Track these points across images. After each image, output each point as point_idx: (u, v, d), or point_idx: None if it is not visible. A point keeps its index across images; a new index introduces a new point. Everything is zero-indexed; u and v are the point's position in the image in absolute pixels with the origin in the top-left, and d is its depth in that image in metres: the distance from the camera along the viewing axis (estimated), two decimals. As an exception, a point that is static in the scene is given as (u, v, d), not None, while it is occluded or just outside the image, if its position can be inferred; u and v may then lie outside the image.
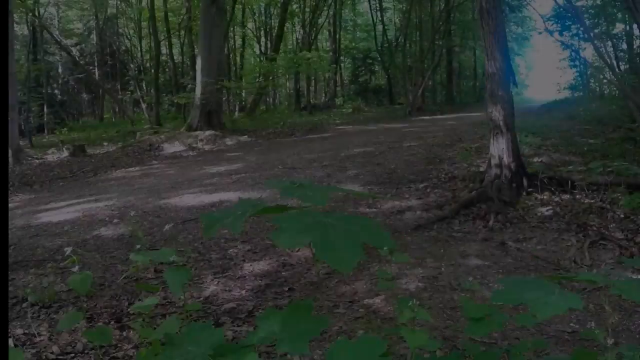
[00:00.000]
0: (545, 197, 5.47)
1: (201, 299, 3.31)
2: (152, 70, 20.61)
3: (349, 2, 32.72)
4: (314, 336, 1.53)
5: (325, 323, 1.60)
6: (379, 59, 31.33)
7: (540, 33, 38.27)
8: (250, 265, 3.95)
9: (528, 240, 4.54)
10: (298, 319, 1.47)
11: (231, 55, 27.54)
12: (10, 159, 9.91)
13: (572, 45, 22.06)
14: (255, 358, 1.41)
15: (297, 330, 1.43)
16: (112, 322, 2.95)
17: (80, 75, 27.73)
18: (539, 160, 7.26)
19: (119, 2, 28.28)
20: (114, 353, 2.60)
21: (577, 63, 26.43)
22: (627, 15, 18.16)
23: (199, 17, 16.14)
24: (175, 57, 25.61)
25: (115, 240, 4.49)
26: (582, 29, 18.43)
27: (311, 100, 27.27)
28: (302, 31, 27.18)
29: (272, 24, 29.03)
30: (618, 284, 1.45)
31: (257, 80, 22.56)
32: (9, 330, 2.76)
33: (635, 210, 4.94)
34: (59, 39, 23.35)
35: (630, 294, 1.38)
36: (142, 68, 27.79)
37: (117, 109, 29.32)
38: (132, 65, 28.42)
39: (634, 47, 21.16)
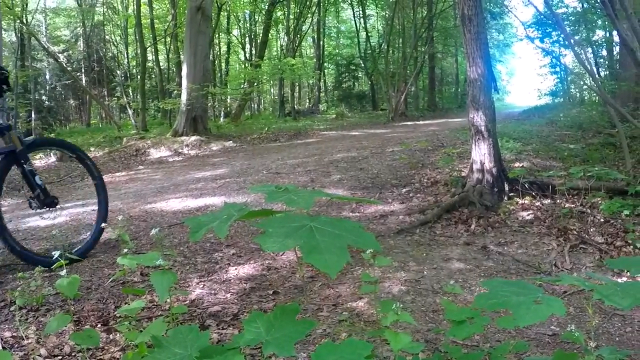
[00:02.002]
0: (526, 201, 5.52)
1: (187, 302, 3.32)
2: (139, 77, 20.73)
3: (332, 9, 33.00)
4: (300, 339, 1.55)
5: (311, 326, 1.62)
6: (362, 65, 31.59)
7: (521, 40, 38.66)
8: (236, 268, 3.97)
9: (509, 244, 4.59)
10: (284, 322, 1.49)
11: (216, 62, 27.83)
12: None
13: (553, 52, 22.30)
14: (241, 360, 1.42)
15: (283, 333, 1.45)
16: (99, 325, 2.95)
17: (67, 82, 28.11)
18: (520, 165, 7.32)
19: (105, 10, 28.76)
20: (100, 355, 2.60)
21: (558, 69, 26.76)
22: (607, 22, 18.39)
23: (184, 24, 16.21)
24: (161, 64, 25.92)
25: (102, 244, 4.48)
26: (562, 35, 18.64)
27: (295, 106, 27.40)
28: (286, 38, 27.30)
29: (257, 30, 29.34)
30: (600, 289, 1.47)
31: (242, 86, 22.80)
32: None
33: (615, 214, 5.00)
34: (46, 46, 23.51)
35: (612, 299, 1.41)
36: (128, 74, 28.12)
37: (103, 115, 30.01)
38: (118, 72, 28.72)
39: (614, 53, 21.43)
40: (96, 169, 4.49)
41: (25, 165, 4.04)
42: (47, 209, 4.18)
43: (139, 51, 20.67)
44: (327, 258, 1.30)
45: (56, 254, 2.20)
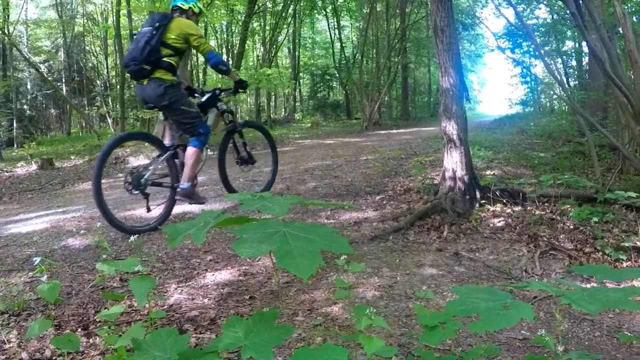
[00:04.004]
0: (497, 208, 5.60)
1: (165, 307, 3.33)
2: (118, 86, 20.80)
3: (307, 20, 33.17)
4: (278, 344, 1.56)
5: (289, 332, 1.64)
6: (337, 75, 31.76)
7: (492, 50, 39.29)
8: (213, 274, 3.98)
9: (481, 251, 4.64)
10: (262, 327, 1.51)
11: (194, 72, 27.89)
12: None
13: (523, 62, 22.65)
14: (218, 363, 1.44)
15: (262, 338, 1.47)
16: (79, 330, 2.96)
17: (48, 91, 28.63)
18: (492, 173, 7.42)
19: (85, 21, 28.94)
20: (81, 359, 2.60)
21: (528, 79, 27.18)
22: (576, 33, 18.74)
23: (163, 35, 16.20)
24: None
25: (82, 251, 4.47)
26: (533, 46, 18.95)
27: (271, 115, 27.51)
28: (262, 48, 27.39)
29: (234, 41, 29.47)
30: (569, 294, 1.50)
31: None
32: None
33: (584, 221, 5.09)
34: (27, 56, 23.45)
35: (579, 304, 1.44)
36: (108, 84, 28.46)
37: (84, 124, 30.37)
38: (98, 82, 28.99)
39: (583, 64, 21.86)
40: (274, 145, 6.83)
41: (240, 138, 6.26)
42: (247, 165, 6.31)
43: (118, 61, 20.72)
44: (300, 262, 1.33)
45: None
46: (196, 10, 5.44)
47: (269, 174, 6.76)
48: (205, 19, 24.92)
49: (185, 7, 5.34)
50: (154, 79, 5.03)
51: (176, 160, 5.35)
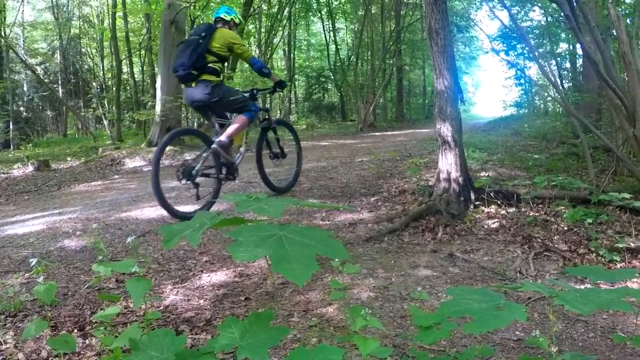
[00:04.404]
0: (491, 210, 5.61)
1: (161, 308, 3.34)
2: (114, 88, 20.81)
3: (302, 22, 33.23)
4: (274, 345, 1.57)
5: (285, 333, 1.65)
6: (332, 77, 31.76)
7: (486, 52, 39.16)
8: (208, 275, 3.99)
9: (475, 252, 4.65)
10: (258, 328, 1.52)
11: None
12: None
13: (518, 64, 22.69)
14: (214, 363, 1.44)
15: (258, 338, 1.48)
16: (76, 331, 2.98)
17: (44, 93, 28.43)
18: (486, 174, 7.44)
19: (81, 23, 29.14)
20: None
21: (522, 81, 27.22)
22: (570, 36, 18.82)
23: (159, 38, 16.24)
24: (136, 76, 26.12)
25: (78, 252, 4.48)
26: (527, 48, 18.98)
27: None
28: (258, 50, 27.34)
29: None
30: (562, 295, 1.51)
31: None
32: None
33: (578, 222, 5.11)
34: (24, 58, 23.50)
35: (573, 305, 1.45)
36: (104, 86, 28.47)
37: (80, 126, 30.36)
38: (94, 84, 28.97)
39: (577, 66, 21.93)
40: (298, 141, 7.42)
41: (274, 134, 6.81)
42: (279, 159, 6.88)
43: (114, 64, 20.75)
44: (296, 268, 1.33)
45: None
46: (237, 21, 6.09)
47: (291, 174, 7.29)
48: (201, 22, 25.01)
49: (228, 18, 5.99)
50: (202, 80, 5.66)
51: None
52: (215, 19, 6.04)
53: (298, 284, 1.30)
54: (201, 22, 23.57)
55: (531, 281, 3.96)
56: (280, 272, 1.32)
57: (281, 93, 30.29)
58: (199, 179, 5.68)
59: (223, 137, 5.81)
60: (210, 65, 5.67)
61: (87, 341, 2.83)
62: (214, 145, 5.76)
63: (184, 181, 5.59)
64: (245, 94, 6.12)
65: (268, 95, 7.01)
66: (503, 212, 5.56)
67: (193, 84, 5.69)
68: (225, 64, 6.21)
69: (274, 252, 1.37)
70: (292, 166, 7.41)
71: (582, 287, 3.34)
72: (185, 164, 5.70)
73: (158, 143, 5.19)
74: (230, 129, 5.87)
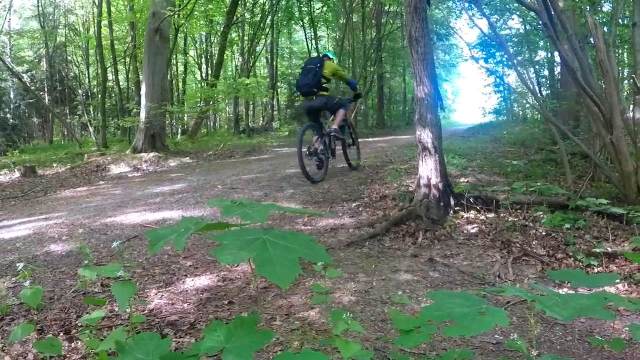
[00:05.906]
0: (471, 215, 5.67)
1: (146, 311, 3.35)
2: (99, 96, 20.86)
3: (285, 31, 33.41)
4: (258, 348, 1.58)
5: (269, 337, 1.66)
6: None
7: (466, 60, 39.72)
8: (192, 279, 4.00)
9: (455, 256, 4.70)
10: (243, 332, 1.53)
11: (174, 81, 28.39)
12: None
13: (497, 72, 23.00)
14: (199, 366, 1.45)
15: (243, 342, 1.49)
16: (61, 334, 2.98)
17: (31, 100, 28.74)
18: (465, 180, 7.49)
19: (67, 31, 29.42)
20: (63, 363, 2.63)
21: (501, 88, 27.56)
22: (548, 44, 19.10)
23: (143, 46, 16.30)
24: (121, 83, 26.24)
25: (64, 256, 4.47)
26: (506, 56, 19.21)
27: (249, 124, 27.55)
28: (241, 58, 27.44)
29: (213, 51, 29.88)
30: (543, 300, 1.53)
31: (198, 104, 23.38)
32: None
33: (556, 227, 5.15)
34: (10, 66, 23.35)
35: (553, 310, 1.46)
36: (89, 93, 28.72)
37: (66, 132, 30.85)
38: (80, 91, 29.05)
39: (555, 73, 22.22)
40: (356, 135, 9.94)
41: (348, 129, 9.29)
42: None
43: (99, 71, 20.82)
44: (279, 270, 1.34)
45: None
46: (333, 58, 8.86)
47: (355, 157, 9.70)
48: (185, 30, 25.06)
49: (330, 56, 8.83)
50: (319, 95, 8.20)
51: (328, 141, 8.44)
52: (323, 55, 8.88)
53: (282, 287, 1.31)
54: (184, 30, 23.60)
55: (510, 285, 4.00)
56: (264, 275, 1.33)
57: (265, 98, 30.55)
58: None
59: (334, 126, 8.48)
60: (323, 84, 8.22)
61: (72, 344, 2.84)
62: (331, 133, 8.39)
63: (314, 158, 8.10)
64: (339, 96, 8.46)
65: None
66: (482, 217, 5.62)
67: (313, 97, 8.17)
68: (330, 82, 8.64)
69: (258, 255, 1.38)
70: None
71: (561, 291, 3.40)
72: (311, 148, 8.01)
73: (298, 133, 8.76)
74: (337, 120, 8.51)
